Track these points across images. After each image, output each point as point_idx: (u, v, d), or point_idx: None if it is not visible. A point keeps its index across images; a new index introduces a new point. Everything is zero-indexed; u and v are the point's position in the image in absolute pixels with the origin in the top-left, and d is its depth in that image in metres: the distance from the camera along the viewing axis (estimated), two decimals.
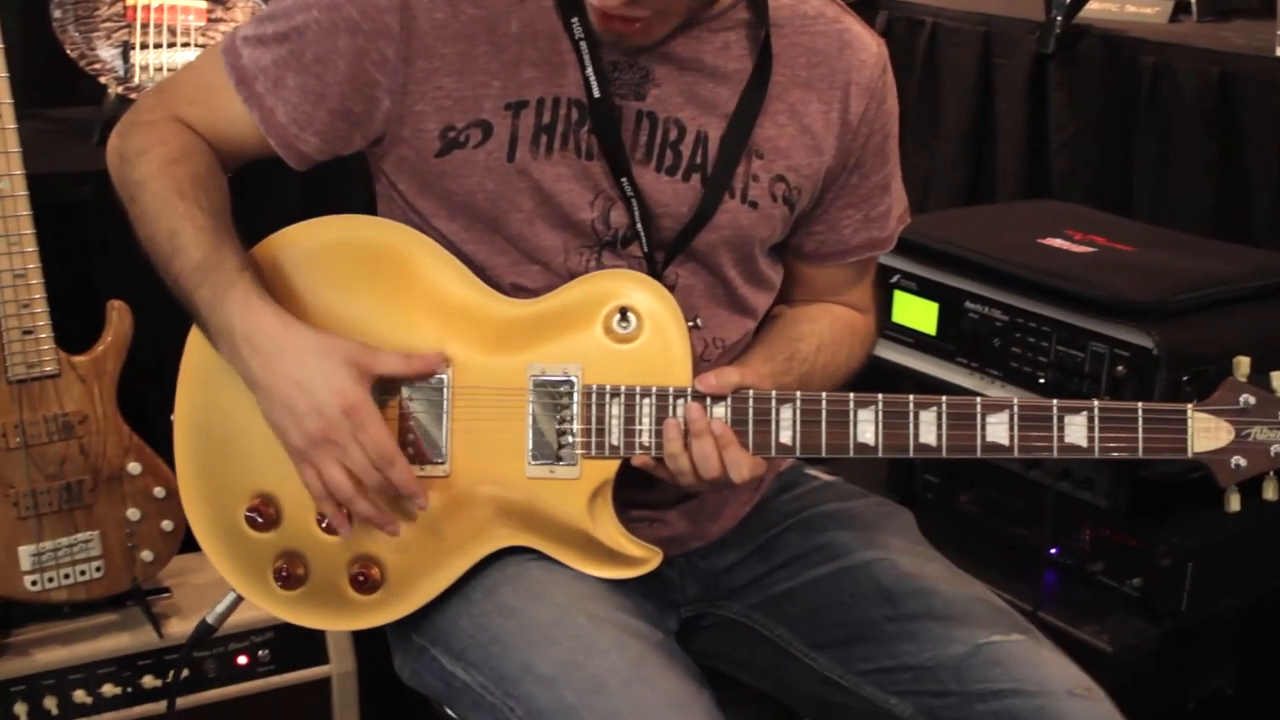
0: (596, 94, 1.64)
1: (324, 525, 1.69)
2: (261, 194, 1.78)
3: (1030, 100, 3.12)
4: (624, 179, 1.66)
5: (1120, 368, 2.18)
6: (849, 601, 1.76)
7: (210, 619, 1.82)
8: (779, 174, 1.73)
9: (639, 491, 1.74)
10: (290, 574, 1.70)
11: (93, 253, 2.47)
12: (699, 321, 1.74)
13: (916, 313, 2.50)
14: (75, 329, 2.29)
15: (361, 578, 1.69)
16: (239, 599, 1.77)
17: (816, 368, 1.79)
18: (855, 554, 1.79)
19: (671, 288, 1.71)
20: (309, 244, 1.71)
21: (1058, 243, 2.45)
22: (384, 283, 1.69)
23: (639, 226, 1.68)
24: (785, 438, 1.64)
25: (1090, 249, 2.43)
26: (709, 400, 1.63)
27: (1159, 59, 2.91)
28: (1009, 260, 2.37)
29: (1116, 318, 2.21)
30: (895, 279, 2.52)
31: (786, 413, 1.64)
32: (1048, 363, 2.30)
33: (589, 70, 1.63)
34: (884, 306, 2.53)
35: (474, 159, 1.65)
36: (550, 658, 1.58)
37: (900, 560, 1.77)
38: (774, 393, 1.64)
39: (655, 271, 1.70)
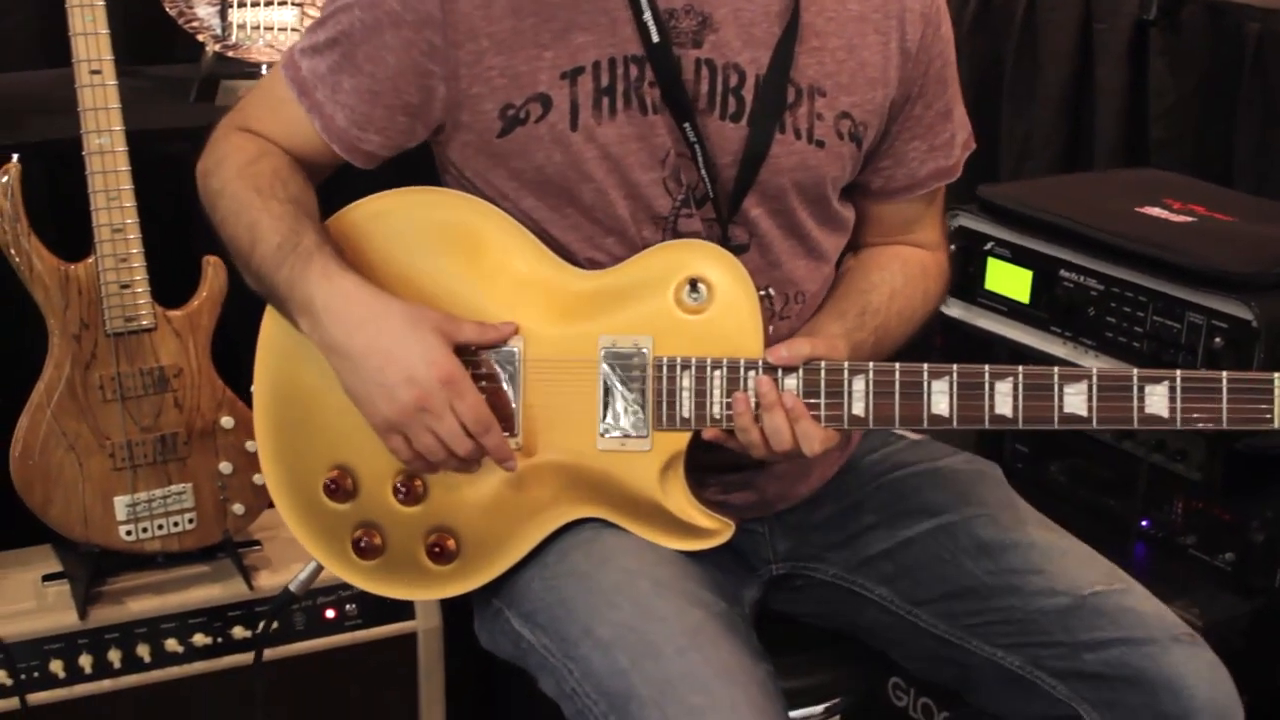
0: (655, 39, 1.62)
1: (400, 497, 1.70)
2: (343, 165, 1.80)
3: (1130, 66, 3.07)
4: (687, 124, 1.65)
5: (1218, 339, 2.15)
6: (948, 559, 1.76)
7: (293, 586, 1.85)
8: (843, 111, 1.72)
9: (726, 454, 1.73)
10: (368, 544, 1.72)
11: (189, 208, 2.46)
12: (770, 291, 1.73)
13: (1010, 280, 2.48)
14: (171, 284, 2.31)
15: (437, 549, 1.71)
16: (320, 567, 1.80)
17: (891, 316, 1.78)
18: (950, 512, 1.78)
19: (746, 246, 1.71)
20: (384, 214, 1.72)
21: (1156, 211, 2.42)
22: (457, 254, 1.70)
23: (703, 173, 1.66)
24: (858, 409, 1.62)
25: (1189, 218, 2.39)
26: (780, 372, 1.62)
27: (1264, 26, 2.85)
28: (1106, 228, 2.34)
29: (1215, 288, 2.17)
30: (989, 246, 2.50)
31: (859, 384, 1.62)
32: (1143, 333, 2.27)
33: (646, 15, 1.62)
34: (977, 273, 2.52)
35: (537, 133, 1.65)
36: (610, 621, 1.58)
37: (997, 515, 1.77)
38: (846, 364, 1.63)
39: (726, 220, 1.69)
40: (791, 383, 1.62)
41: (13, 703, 2.27)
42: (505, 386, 1.67)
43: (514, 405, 1.68)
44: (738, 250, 1.70)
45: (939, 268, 1.90)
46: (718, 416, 1.64)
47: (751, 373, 1.63)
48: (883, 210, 1.87)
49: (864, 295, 1.79)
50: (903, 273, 1.84)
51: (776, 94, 1.67)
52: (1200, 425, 1.59)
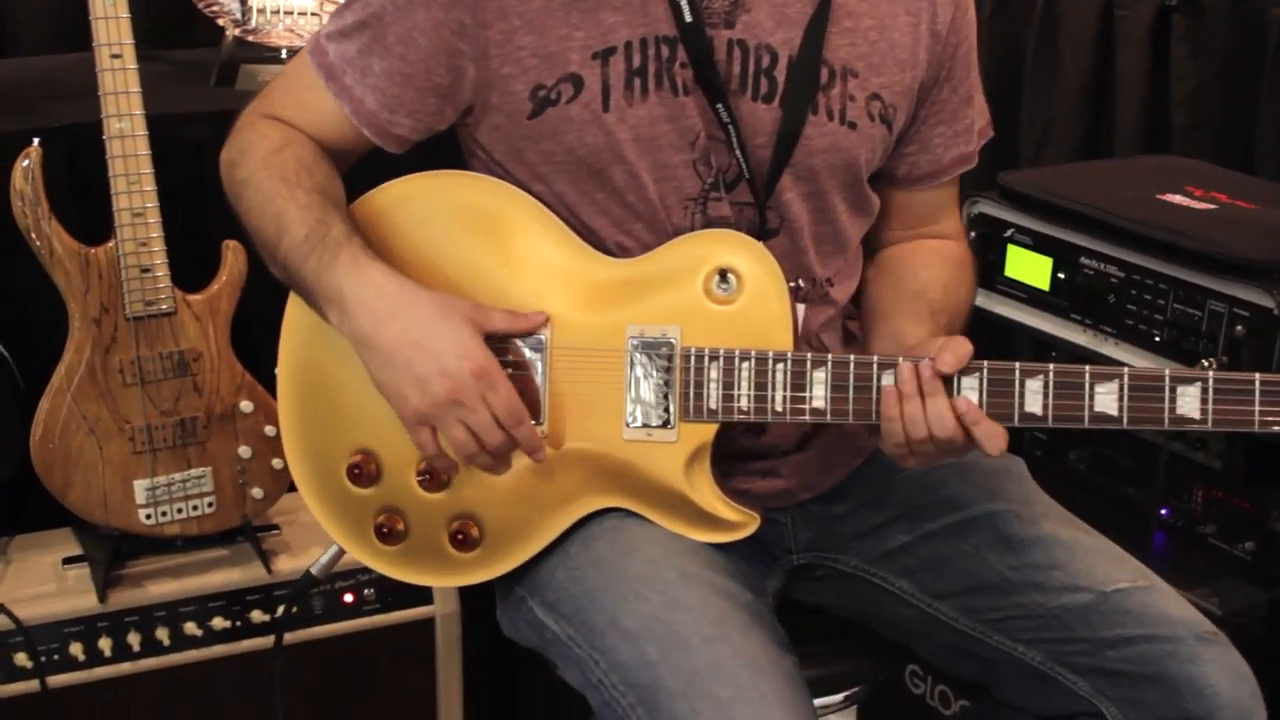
0: (688, 19, 1.62)
1: (424, 483, 1.70)
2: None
3: (1152, 53, 3.06)
4: (720, 105, 1.64)
5: (1239, 328, 2.14)
6: (971, 553, 1.76)
7: (314, 570, 1.85)
8: (874, 92, 1.71)
9: (751, 443, 1.74)
10: (391, 530, 1.72)
11: (209, 193, 2.46)
12: (800, 283, 1.73)
13: (1030, 268, 2.47)
14: (191, 268, 2.30)
15: (460, 535, 1.71)
16: (341, 552, 1.80)
17: (950, 311, 1.78)
18: (974, 506, 1.78)
19: (777, 230, 1.71)
20: (411, 198, 1.72)
21: (1177, 199, 2.41)
22: (484, 239, 1.69)
23: (738, 154, 1.65)
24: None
25: (1211, 206, 2.39)
26: (958, 378, 1.59)
27: None
28: (1127, 215, 2.33)
29: (1237, 276, 2.16)
30: (1009, 233, 2.49)
31: (888, 379, 1.61)
32: (1164, 321, 2.26)
33: None
34: (997, 261, 2.51)
35: (569, 114, 1.64)
36: (637, 612, 1.58)
37: (1020, 510, 1.76)
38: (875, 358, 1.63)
39: (763, 203, 1.69)
40: (971, 382, 1.59)
41: (33, 685, 2.27)
42: (532, 374, 1.67)
43: (541, 393, 1.67)
44: (768, 234, 1.70)
45: (969, 256, 1.90)
46: (745, 408, 1.63)
47: (780, 365, 1.62)
48: (907, 199, 1.86)
49: (924, 296, 1.79)
50: (945, 267, 1.84)
51: (809, 74, 1.67)
52: (1230, 428, 1.57)
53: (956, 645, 1.78)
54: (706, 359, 1.63)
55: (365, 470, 1.71)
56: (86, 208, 2.31)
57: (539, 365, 1.67)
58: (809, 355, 1.62)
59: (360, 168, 1.79)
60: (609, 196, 1.68)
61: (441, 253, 1.69)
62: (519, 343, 1.66)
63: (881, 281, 1.85)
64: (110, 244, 2.23)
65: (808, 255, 1.75)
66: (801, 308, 1.73)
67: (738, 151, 1.65)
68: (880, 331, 1.79)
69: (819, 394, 1.62)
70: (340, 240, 1.62)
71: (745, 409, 1.63)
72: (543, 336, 1.66)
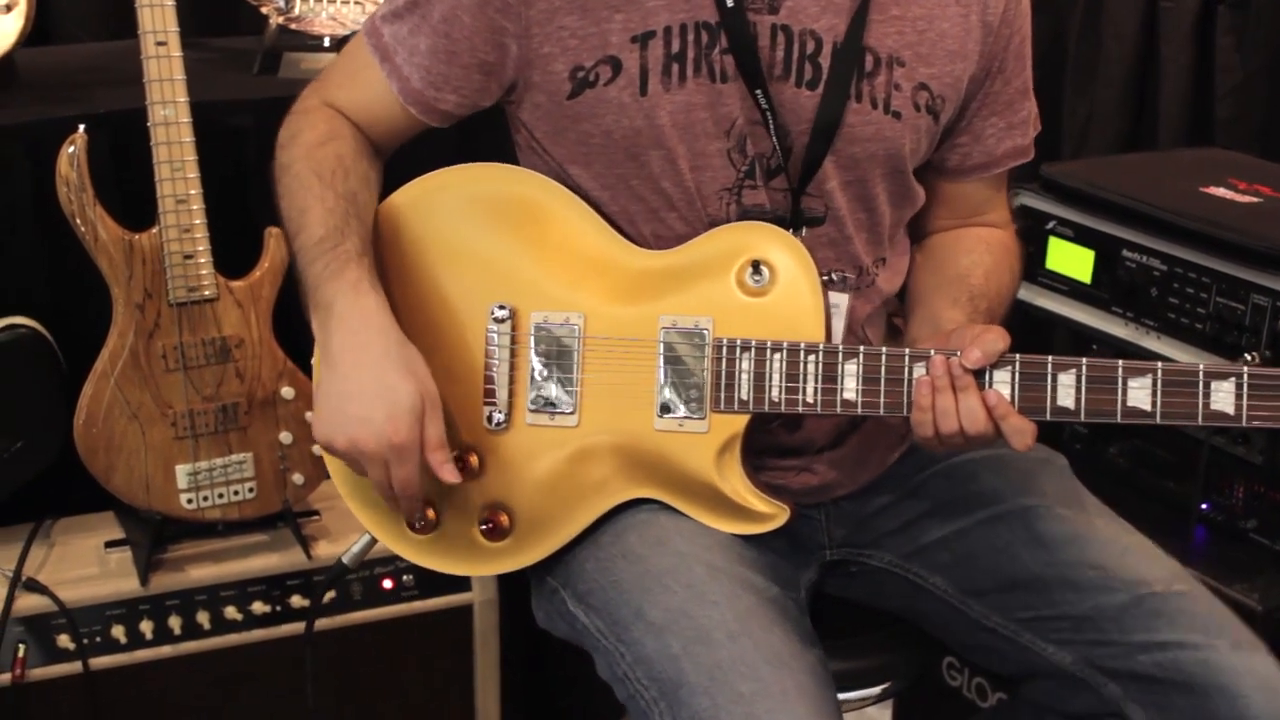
0: (730, 3, 1.60)
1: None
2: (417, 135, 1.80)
3: (1196, 45, 3.03)
4: (758, 92, 1.62)
5: None
6: (1004, 549, 1.73)
7: (346, 559, 1.84)
8: (921, 82, 1.69)
9: (786, 438, 1.73)
10: (422, 519, 1.71)
11: (251, 180, 2.49)
12: (847, 273, 1.72)
13: (1072, 260, 2.44)
14: (234, 254, 2.31)
15: (491, 525, 1.70)
16: (373, 540, 1.79)
17: (992, 297, 1.77)
18: (1009, 502, 1.75)
19: (822, 218, 1.69)
20: (447, 188, 1.72)
21: (1221, 191, 2.38)
22: (520, 230, 1.69)
23: (775, 142, 1.64)
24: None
25: (1255, 199, 2.35)
26: (989, 371, 1.57)
27: None
28: (1169, 208, 2.30)
29: None
30: (1051, 225, 2.46)
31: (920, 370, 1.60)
32: (1206, 314, 2.23)
33: None
34: (1039, 253, 2.48)
35: (606, 97, 1.64)
36: (662, 605, 1.57)
37: (1056, 508, 1.74)
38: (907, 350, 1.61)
39: (799, 191, 1.67)
40: (1003, 376, 1.57)
41: (75, 666, 2.28)
42: (564, 365, 1.67)
43: (572, 384, 1.67)
44: (812, 223, 1.70)
45: (1016, 244, 1.88)
46: (776, 399, 1.62)
47: (812, 356, 1.61)
48: (957, 190, 1.85)
49: (964, 281, 1.78)
50: (989, 253, 1.83)
51: (853, 61, 1.65)
52: (1267, 424, 1.54)
53: (988, 644, 1.76)
54: (738, 350, 1.63)
55: None
56: (130, 194, 2.33)
57: (572, 356, 1.67)
58: (840, 347, 1.61)
59: (399, 158, 1.80)
60: (644, 183, 1.67)
61: (477, 242, 1.70)
62: (551, 334, 1.67)
63: (924, 266, 1.84)
64: (154, 230, 2.23)
65: (854, 243, 1.74)
66: (845, 298, 1.73)
67: (775, 139, 1.64)
68: (918, 315, 1.78)
69: (850, 386, 1.61)
70: (351, 256, 1.63)
71: (776, 400, 1.62)
72: (576, 326, 1.67)
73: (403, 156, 1.80)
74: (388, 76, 1.71)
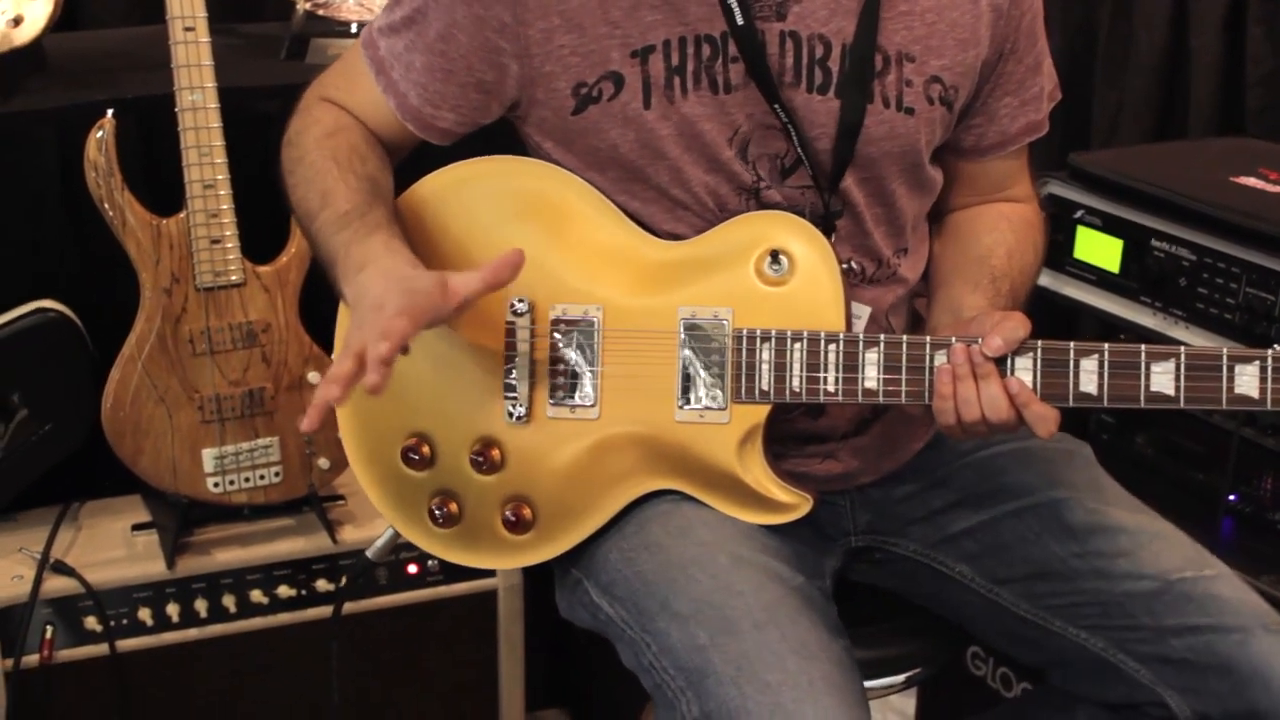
0: (740, 21, 1.59)
1: (477, 466, 1.69)
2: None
3: (1227, 34, 2.99)
4: (776, 105, 1.62)
5: None
6: (1033, 539, 1.72)
7: (370, 554, 1.85)
8: (933, 75, 1.68)
9: (809, 426, 1.72)
10: (445, 513, 1.71)
11: (279, 165, 2.49)
12: (853, 264, 1.71)
13: (1100, 249, 2.42)
14: (261, 239, 2.31)
15: (513, 518, 1.69)
16: (397, 535, 1.79)
17: (1015, 276, 1.76)
18: (1037, 493, 1.74)
19: (840, 213, 1.68)
20: (466, 181, 1.71)
21: (1251, 181, 2.36)
22: (538, 223, 1.69)
23: (800, 152, 1.63)
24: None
25: None
26: (1011, 359, 1.56)
27: None
28: (1199, 198, 2.28)
29: None
30: (1079, 214, 2.44)
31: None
32: (1235, 304, 2.21)
33: None
34: (1066, 242, 2.46)
35: (610, 111, 1.63)
36: (688, 595, 1.56)
37: (1084, 498, 1.73)
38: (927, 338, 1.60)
39: (824, 197, 1.67)
40: (1025, 362, 1.56)
41: (103, 648, 2.30)
42: (583, 357, 1.67)
43: (592, 376, 1.67)
44: (833, 217, 1.68)
45: (1039, 219, 1.86)
46: (797, 389, 1.61)
47: (832, 346, 1.60)
48: (975, 169, 1.83)
49: (985, 261, 1.76)
50: (1011, 230, 1.80)
51: (864, 63, 1.64)
52: None
53: (1017, 631, 1.75)
54: (759, 340, 1.62)
55: (419, 453, 1.71)
56: (158, 179, 2.33)
57: (592, 348, 1.66)
58: (861, 336, 1.60)
59: (415, 153, 1.79)
60: (655, 192, 1.67)
61: (496, 234, 1.68)
62: (570, 326, 1.67)
63: (945, 247, 1.82)
64: (181, 215, 2.23)
65: (872, 237, 1.73)
66: (867, 310, 1.72)
67: (797, 146, 1.63)
68: (939, 301, 1.77)
69: (871, 375, 1.59)
70: (380, 222, 1.61)
71: (797, 390, 1.61)
72: (595, 318, 1.66)
73: (416, 150, 1.79)
74: (384, 91, 1.70)
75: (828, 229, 1.67)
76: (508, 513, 1.70)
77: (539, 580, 2.27)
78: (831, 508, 1.80)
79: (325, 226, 1.64)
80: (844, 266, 1.65)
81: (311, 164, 1.68)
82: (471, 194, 1.71)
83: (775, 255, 1.63)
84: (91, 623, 2.29)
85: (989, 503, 1.77)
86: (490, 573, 2.49)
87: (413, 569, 2.45)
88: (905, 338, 1.59)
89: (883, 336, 1.60)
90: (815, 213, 1.68)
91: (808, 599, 1.60)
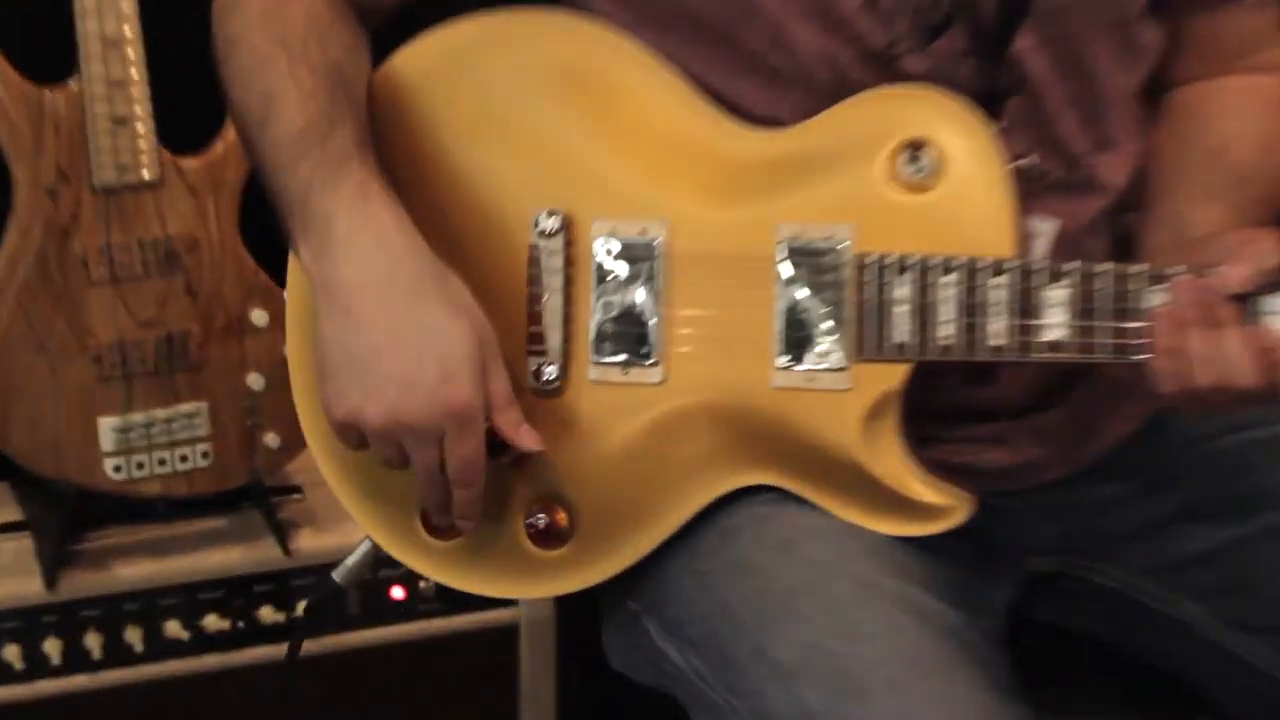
0: None
1: (490, 450, 1.66)
2: None
3: None
4: None
5: None
6: None
7: (338, 576, 1.84)
8: None
9: (970, 396, 1.71)
10: (445, 517, 1.70)
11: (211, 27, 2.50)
12: (1035, 157, 1.69)
13: None
14: (185, 123, 2.31)
15: (542, 525, 1.69)
16: (375, 548, 1.79)
17: (1267, 178, 1.77)
18: None
19: (1012, 91, 1.68)
20: (472, 49, 1.73)
21: None
22: (575, 106, 1.70)
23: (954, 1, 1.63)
24: None
25: None
26: (1259, 295, 1.54)
27: None
28: None
29: None
30: None
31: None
32: None
33: None
34: None
35: None
36: (793, 640, 1.55)
37: None
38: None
39: (988, 67, 1.67)
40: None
41: None
42: (641, 296, 1.67)
43: (654, 323, 1.67)
44: (1001, 96, 1.67)
45: None
46: (948, 341, 1.60)
47: (1002, 279, 1.59)
48: (1209, 25, 1.82)
49: (1222, 157, 1.77)
50: (1263, 115, 1.81)
51: None
52: None
53: (1273, 698, 1.76)
54: (892, 271, 1.61)
55: None
56: (41, 33, 2.32)
57: (653, 283, 1.66)
58: (1045, 264, 1.59)
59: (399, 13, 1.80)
60: (744, 60, 1.68)
61: (511, 127, 1.70)
62: (624, 249, 1.66)
63: (1165, 139, 1.82)
64: (72, 84, 2.25)
65: (1058, 124, 1.72)
66: (1051, 225, 1.71)
67: None
68: (1157, 217, 1.77)
69: (1057, 320, 1.58)
70: (348, 151, 1.62)
71: (948, 342, 1.60)
72: (657, 242, 1.66)
73: (399, 8, 1.80)
74: None
75: (994, 112, 1.66)
76: (534, 518, 1.70)
77: (578, 614, 2.28)
78: (1003, 516, 1.78)
79: (275, 151, 1.65)
80: (1016, 166, 1.63)
81: (252, 48, 1.68)
82: (477, 66, 1.72)
83: (915, 149, 1.62)
84: None
85: (1235, 515, 1.76)
86: (510, 602, 2.51)
87: (398, 593, 2.49)
88: (1107, 267, 1.58)
89: (1075, 266, 1.58)
90: (975, 89, 1.66)
91: (968, 646, 1.59)
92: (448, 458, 1.58)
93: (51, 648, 2.34)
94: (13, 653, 2.33)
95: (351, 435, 1.61)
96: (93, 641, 2.36)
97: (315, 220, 1.61)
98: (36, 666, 2.35)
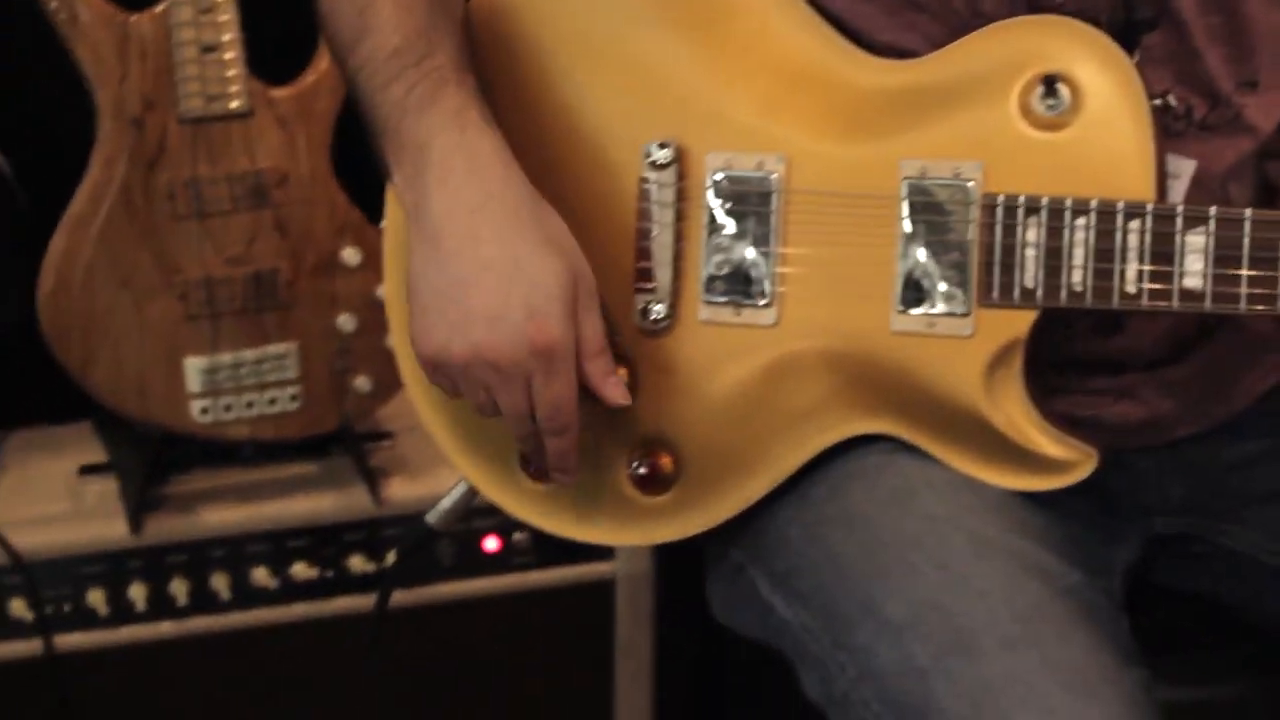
0: None
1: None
2: None
3: None
4: None
5: None
6: None
7: (431, 518, 1.82)
8: None
9: (1098, 346, 1.67)
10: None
11: None
12: (1172, 100, 1.65)
13: None
14: (276, 52, 2.32)
15: (646, 470, 1.67)
16: (473, 491, 1.77)
17: None
18: None
19: (1154, 22, 1.63)
20: None
21: None
22: (691, 33, 1.68)
23: None
24: None
25: None
26: None
27: None
28: None
29: None
30: None
31: None
32: None
33: None
34: None
35: None
36: (904, 595, 1.54)
37: None
38: None
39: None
40: None
41: (34, 645, 2.33)
42: (754, 234, 1.64)
43: (768, 263, 1.64)
44: (1141, 28, 1.62)
45: None
46: (1078, 288, 1.56)
47: (1136, 221, 1.54)
48: None
49: None
50: None
51: None
52: None
53: None
54: (1022, 212, 1.57)
55: None
56: None
57: (768, 220, 1.63)
58: (1181, 209, 1.54)
59: None
60: None
61: (620, 54, 1.68)
62: (737, 185, 1.63)
63: None
64: (159, 9, 2.24)
65: (1202, 59, 1.67)
66: (1190, 164, 1.67)
67: None
68: None
69: (1195, 268, 1.54)
70: (446, 73, 1.61)
71: (1079, 289, 1.56)
72: (774, 176, 1.63)
73: None
74: None
75: (1132, 45, 1.62)
76: (637, 462, 1.68)
77: (680, 565, 2.26)
78: (1128, 472, 1.75)
79: (366, 69, 1.64)
80: (1157, 103, 1.60)
81: None
82: None
83: (1050, 83, 1.57)
84: (19, 608, 2.32)
85: None
86: (608, 552, 2.52)
87: (492, 544, 2.48)
88: (1249, 212, 1.53)
89: (1215, 210, 1.54)
90: (1114, 20, 1.63)
91: (1087, 606, 1.57)
92: (536, 401, 1.57)
93: (136, 593, 2.35)
94: (97, 597, 2.34)
95: (442, 377, 1.60)
96: (178, 588, 2.38)
97: (408, 147, 1.61)
98: (120, 613, 2.36)
